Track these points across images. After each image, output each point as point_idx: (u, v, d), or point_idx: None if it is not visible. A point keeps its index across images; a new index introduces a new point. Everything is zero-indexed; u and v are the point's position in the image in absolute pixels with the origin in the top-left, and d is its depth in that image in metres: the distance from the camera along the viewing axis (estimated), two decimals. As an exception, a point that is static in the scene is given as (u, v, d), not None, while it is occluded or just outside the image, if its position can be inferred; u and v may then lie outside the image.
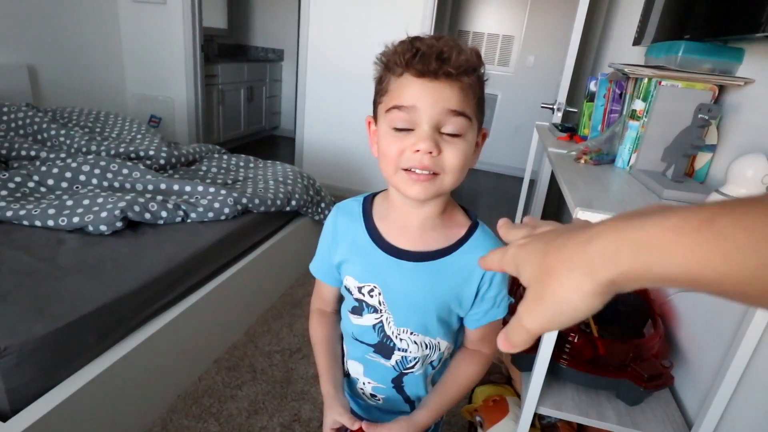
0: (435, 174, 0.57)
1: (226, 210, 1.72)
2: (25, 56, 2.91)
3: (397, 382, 0.72)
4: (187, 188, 1.78)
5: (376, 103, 0.62)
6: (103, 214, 1.48)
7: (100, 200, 1.54)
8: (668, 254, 0.23)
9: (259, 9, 5.19)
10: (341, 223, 0.70)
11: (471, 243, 0.66)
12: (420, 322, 0.67)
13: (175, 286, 1.47)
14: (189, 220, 1.67)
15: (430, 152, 0.55)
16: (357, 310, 0.70)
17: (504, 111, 4.85)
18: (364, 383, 0.75)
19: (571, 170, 1.03)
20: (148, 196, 1.67)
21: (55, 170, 1.74)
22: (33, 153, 1.93)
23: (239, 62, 4.56)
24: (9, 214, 1.49)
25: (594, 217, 0.73)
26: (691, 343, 1.00)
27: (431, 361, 0.72)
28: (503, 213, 3.75)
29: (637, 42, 1.57)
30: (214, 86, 4.14)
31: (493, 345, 0.71)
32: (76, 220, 1.48)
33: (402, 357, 0.69)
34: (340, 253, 0.69)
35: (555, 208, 3.00)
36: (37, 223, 1.49)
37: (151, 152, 2.07)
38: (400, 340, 0.68)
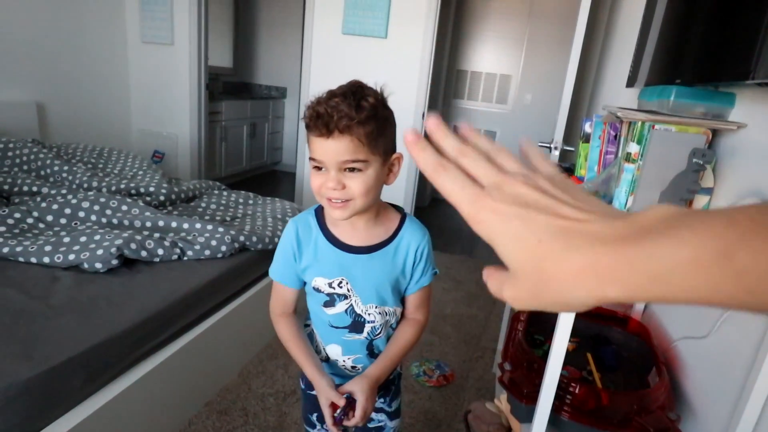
0: (347, 200, 0.76)
1: (223, 248, 1.71)
2: (34, 93, 2.99)
3: (370, 349, 0.91)
4: (185, 225, 1.78)
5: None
6: (99, 252, 1.47)
7: (97, 237, 1.54)
8: (687, 289, 0.21)
9: (263, 48, 5.36)
10: (302, 235, 0.86)
11: (404, 230, 0.88)
12: (380, 297, 0.87)
13: (167, 326, 1.44)
14: (185, 258, 1.65)
15: (335, 189, 0.74)
16: (329, 303, 0.87)
17: (503, 148, 4.91)
18: (344, 360, 0.92)
19: (567, 213, 1.02)
20: (146, 233, 1.67)
21: (55, 206, 1.75)
22: (35, 189, 1.94)
23: (243, 99, 4.67)
24: (5, 250, 1.49)
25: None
26: (698, 393, 0.96)
27: (390, 325, 0.92)
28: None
29: (630, 84, 1.59)
30: (217, 122, 4.22)
31: (425, 311, 0.94)
32: (71, 257, 1.47)
33: (371, 328, 0.89)
34: (305, 260, 0.86)
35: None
36: (33, 259, 1.48)
37: (152, 188, 2.08)
38: (368, 314, 0.87)
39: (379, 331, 0.90)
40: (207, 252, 1.68)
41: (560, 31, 4.38)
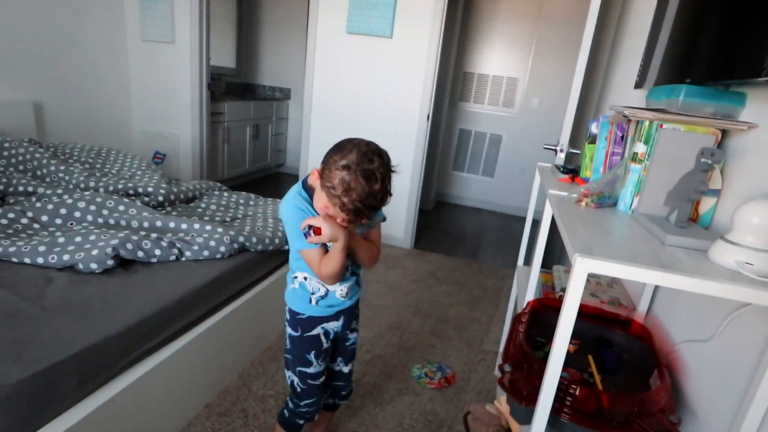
0: None
1: (222, 248, 1.69)
2: (31, 92, 2.97)
3: (355, 274, 1.21)
4: (184, 226, 1.76)
5: (324, 183, 0.97)
6: (95, 252, 1.45)
7: (92, 237, 1.52)
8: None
9: (267, 49, 5.35)
10: (304, 208, 1.07)
11: None
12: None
13: (165, 328, 1.42)
14: (183, 259, 1.64)
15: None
16: (326, 252, 1.09)
17: (508, 152, 4.88)
18: (341, 289, 1.17)
19: (571, 213, 0.99)
20: (143, 233, 1.65)
21: (50, 206, 1.73)
22: (30, 189, 1.92)
23: (246, 100, 4.66)
24: (-1, 250, 1.47)
25: (595, 265, 0.69)
26: (699, 397, 0.93)
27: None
28: (508, 252, 3.71)
29: (638, 85, 1.56)
30: (220, 123, 4.21)
31: (379, 242, 1.25)
32: (66, 257, 1.46)
33: (353, 260, 1.15)
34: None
35: (558, 249, 2.95)
36: (27, 260, 1.46)
37: (150, 189, 2.07)
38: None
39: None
40: (206, 252, 1.66)
41: (569, 34, 4.35)
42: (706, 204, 0.97)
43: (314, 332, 1.21)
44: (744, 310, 0.83)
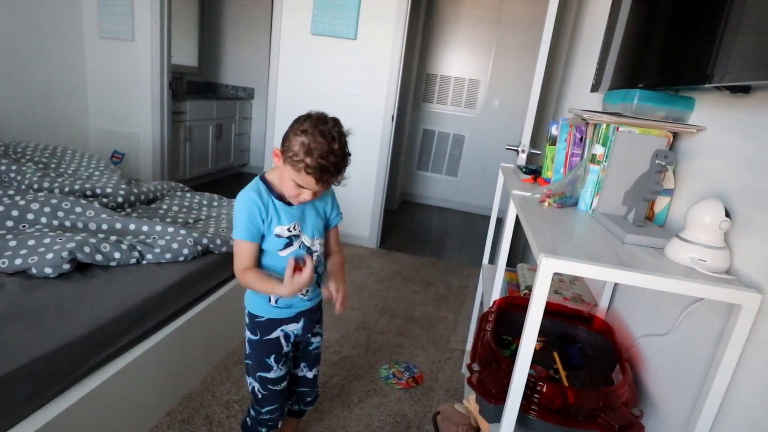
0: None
1: (185, 251, 1.64)
2: (-20, 89, 2.81)
3: (316, 273, 1.16)
4: (145, 228, 1.70)
5: (286, 155, 1.01)
6: (49, 256, 1.38)
7: (47, 241, 1.45)
8: None
9: (230, 48, 5.24)
10: (260, 198, 1.09)
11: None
12: (318, 232, 1.18)
13: (124, 334, 1.36)
14: (144, 262, 1.58)
15: (309, 198, 1.07)
16: (287, 245, 1.12)
17: (471, 151, 4.97)
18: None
19: (535, 213, 1.02)
20: (102, 236, 1.59)
21: (1, 208, 1.63)
22: (-22, 189, 1.81)
23: (209, 99, 4.54)
24: (-57, 255, 1.37)
25: (560, 264, 0.72)
26: (659, 389, 0.98)
27: (322, 252, 1.21)
28: (472, 250, 3.78)
29: (594, 89, 1.63)
30: (181, 123, 4.09)
31: (339, 241, 1.30)
32: (18, 261, 1.38)
33: (317, 257, 1.16)
34: (267, 216, 1.09)
35: (522, 247, 3.03)
36: (-25, 265, 1.37)
37: (109, 189, 1.98)
38: (313, 244, 1.16)
39: (320, 260, 1.19)
40: (168, 255, 1.61)
41: (527, 37, 4.48)
42: (661, 203, 1.02)
43: (273, 335, 1.19)
44: (698, 305, 0.88)
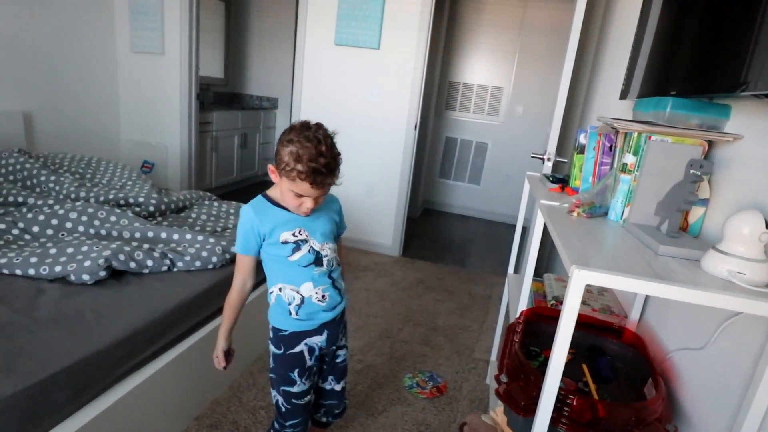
0: (313, 209, 1.10)
1: (214, 259, 1.68)
2: (22, 103, 2.95)
3: (331, 278, 1.19)
4: (175, 236, 1.75)
5: (279, 168, 1.04)
6: (87, 263, 1.44)
7: (84, 248, 1.50)
8: None
9: (255, 59, 5.36)
10: (258, 212, 1.12)
11: (327, 197, 1.17)
12: (327, 237, 1.18)
13: (156, 339, 1.40)
14: (175, 269, 1.62)
15: (311, 207, 1.08)
16: (295, 249, 1.13)
17: (494, 159, 4.94)
18: (316, 292, 1.17)
19: (564, 224, 1.02)
20: (135, 244, 1.64)
21: (42, 217, 1.71)
22: (21, 199, 1.90)
23: (234, 110, 4.65)
24: (-11, 262, 1.44)
25: (592, 276, 0.71)
26: (695, 405, 0.96)
27: (337, 261, 1.22)
28: (496, 259, 3.74)
29: (623, 96, 1.61)
30: (208, 133, 4.19)
31: (343, 255, 1.31)
32: (58, 269, 1.44)
33: (327, 260, 1.17)
34: (269, 225, 1.11)
35: (547, 256, 2.99)
36: (18, 271, 1.44)
37: (141, 199, 2.05)
38: (323, 249, 1.16)
39: (333, 264, 1.19)
40: (197, 263, 1.65)
41: (551, 43, 4.45)
42: (696, 213, 1.00)
43: (297, 349, 1.19)
44: (736, 319, 0.85)
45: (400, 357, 2.17)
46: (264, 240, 1.13)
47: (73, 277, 1.43)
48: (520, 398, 0.97)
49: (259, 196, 1.15)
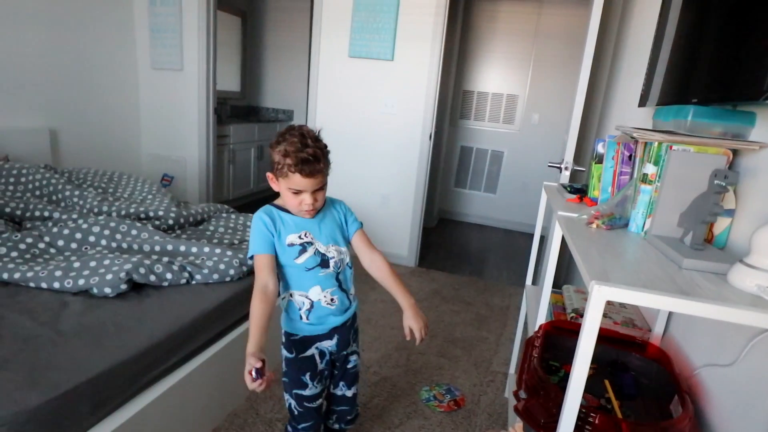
0: (315, 207, 1.17)
1: (231, 271, 1.70)
2: (47, 120, 3.06)
3: (338, 281, 1.23)
4: (194, 249, 1.77)
5: (275, 171, 1.12)
6: (108, 277, 1.46)
7: (106, 262, 1.53)
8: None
9: (270, 72, 5.44)
10: (268, 219, 1.17)
11: (329, 201, 1.27)
12: (333, 239, 1.23)
13: (176, 351, 1.42)
14: (194, 282, 1.64)
15: (311, 204, 1.14)
16: (302, 251, 1.18)
17: (510, 168, 4.90)
18: (324, 295, 1.21)
19: (583, 236, 1.00)
20: (155, 257, 1.66)
21: (66, 231, 1.75)
22: (47, 213, 1.95)
23: (250, 122, 4.72)
24: (17, 276, 1.49)
25: (613, 292, 0.69)
26: (724, 424, 0.92)
27: (346, 263, 1.25)
28: (513, 269, 3.70)
29: (642, 103, 1.58)
30: (225, 146, 4.26)
31: (374, 247, 1.32)
32: (81, 282, 1.47)
33: (334, 262, 1.21)
34: (278, 228, 1.17)
35: (566, 267, 2.94)
36: (44, 285, 1.48)
37: (161, 212, 2.08)
38: (329, 252, 1.21)
39: (339, 266, 1.22)
40: (215, 276, 1.67)
41: (567, 50, 4.42)
42: (721, 224, 0.97)
43: (308, 353, 1.24)
44: (767, 335, 0.82)
45: (416, 369, 2.15)
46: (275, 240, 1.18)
47: (95, 290, 1.46)
48: (540, 415, 0.95)
49: (267, 205, 1.22)
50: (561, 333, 1.28)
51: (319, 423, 1.31)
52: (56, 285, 1.47)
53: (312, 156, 1.07)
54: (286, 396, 1.28)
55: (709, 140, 0.97)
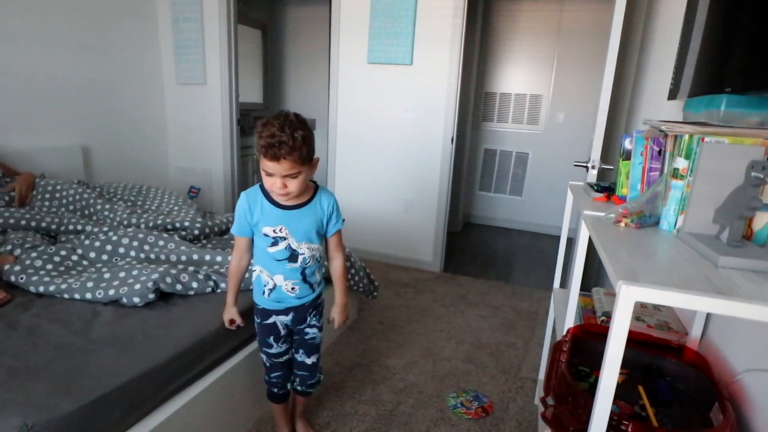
0: (287, 193, 1.23)
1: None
2: (80, 137, 3.19)
3: (303, 275, 1.36)
4: (218, 258, 1.80)
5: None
6: (137, 287, 1.50)
7: (134, 272, 1.57)
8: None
9: (292, 82, 5.52)
10: (250, 201, 1.30)
11: (320, 194, 1.35)
12: (308, 237, 1.32)
13: (203, 359, 1.44)
14: (219, 291, 1.66)
15: (281, 188, 1.21)
16: (274, 243, 1.30)
17: (536, 169, 4.81)
18: (286, 284, 1.35)
19: (610, 235, 0.96)
20: (181, 266, 1.70)
21: (97, 243, 1.81)
22: (80, 227, 2.03)
23: (274, 132, 4.78)
24: (52, 288, 1.54)
25: (642, 292, 0.66)
26: (771, 432, 0.86)
27: (317, 258, 1.37)
28: (541, 272, 3.61)
29: (672, 96, 1.52)
30: (249, 156, 4.34)
31: (343, 249, 1.46)
32: (111, 292, 1.51)
33: (303, 259, 1.33)
34: (255, 217, 1.29)
35: (596, 269, 2.85)
36: (76, 296, 1.53)
37: (186, 223, 2.13)
38: (300, 248, 1.32)
39: (308, 262, 1.34)
40: (240, 284, 1.69)
41: (591, 47, 4.32)
42: (761, 219, 0.91)
43: (269, 321, 1.41)
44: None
45: (443, 375, 2.11)
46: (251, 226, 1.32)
47: (125, 300, 1.50)
48: (569, 423, 0.91)
49: (256, 186, 1.31)
50: (590, 337, 1.23)
51: (288, 374, 1.51)
52: (88, 296, 1.51)
53: (277, 142, 1.12)
54: (261, 352, 1.48)
55: (745, 130, 0.91)
